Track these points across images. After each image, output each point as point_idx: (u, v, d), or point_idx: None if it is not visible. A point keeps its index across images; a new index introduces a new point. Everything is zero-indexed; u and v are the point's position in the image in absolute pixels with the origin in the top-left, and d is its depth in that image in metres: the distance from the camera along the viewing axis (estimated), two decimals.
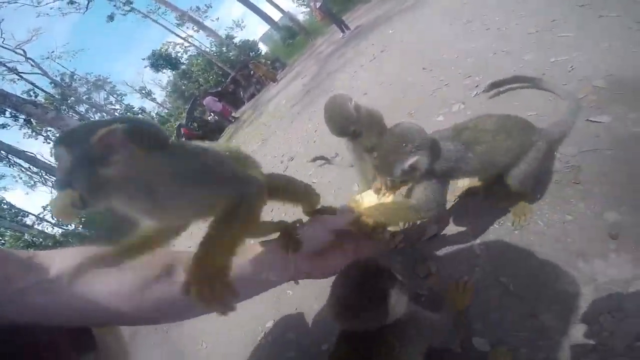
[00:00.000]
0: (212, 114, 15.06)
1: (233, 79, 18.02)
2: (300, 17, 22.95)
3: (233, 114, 14.97)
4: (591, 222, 0.88)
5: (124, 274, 0.72)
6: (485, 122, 0.92)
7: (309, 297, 1.42)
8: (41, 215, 20.83)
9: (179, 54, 25.27)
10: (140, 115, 29.33)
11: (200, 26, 21.65)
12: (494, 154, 0.89)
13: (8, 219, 19.07)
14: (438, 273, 1.07)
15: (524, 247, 0.94)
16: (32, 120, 15.67)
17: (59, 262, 0.68)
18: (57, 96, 22.68)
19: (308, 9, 18.77)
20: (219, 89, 18.58)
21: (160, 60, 24.21)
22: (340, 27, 9.42)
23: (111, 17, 23.22)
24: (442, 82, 2.21)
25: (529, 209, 1.00)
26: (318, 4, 9.33)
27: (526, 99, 1.48)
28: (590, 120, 1.15)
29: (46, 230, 19.91)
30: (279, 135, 4.78)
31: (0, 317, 0.62)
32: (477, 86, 1.87)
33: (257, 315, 1.61)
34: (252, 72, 15.91)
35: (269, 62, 17.25)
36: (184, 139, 16.23)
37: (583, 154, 1.05)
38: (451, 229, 1.17)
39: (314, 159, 1.84)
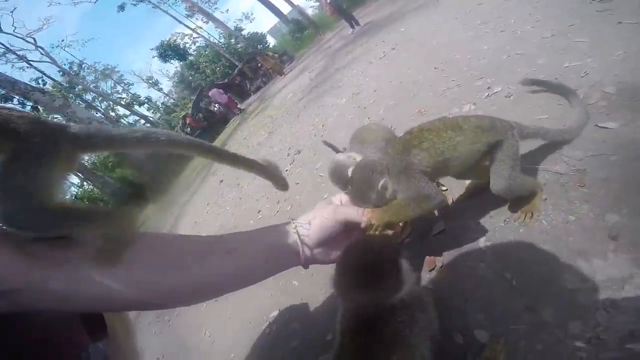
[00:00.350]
0: (217, 105, 15.13)
1: (240, 70, 18.13)
2: (310, 11, 22.92)
3: (239, 106, 15.05)
4: (593, 223, 0.92)
5: (141, 261, 0.74)
6: (433, 123, 1.02)
7: (314, 287, 1.47)
8: None
9: (187, 45, 25.40)
10: (146, 105, 29.52)
11: (210, 17, 21.71)
12: (443, 149, 0.95)
13: None
14: (444, 267, 1.12)
15: (528, 244, 0.98)
16: (39, 107, 15.81)
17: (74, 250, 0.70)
18: (65, 84, 22.85)
19: (317, 3, 18.72)
20: (226, 80, 18.67)
21: (169, 51, 24.29)
22: (350, 22, 9.43)
23: (122, 7, 23.44)
24: (454, 82, 2.23)
25: (537, 208, 1.04)
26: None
27: (537, 103, 1.51)
28: (599, 126, 1.18)
29: None
30: (285, 129, 4.83)
31: (21, 302, 0.64)
32: (488, 88, 1.89)
33: (261, 305, 1.66)
34: (259, 64, 15.94)
35: (276, 55, 17.23)
36: (189, 129, 16.38)
37: (589, 159, 1.09)
38: (458, 225, 1.21)
39: (325, 143, 1.91)
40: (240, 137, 7.60)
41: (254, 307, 1.69)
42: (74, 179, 24.06)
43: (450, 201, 1.33)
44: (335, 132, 3.05)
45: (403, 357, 0.69)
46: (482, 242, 1.08)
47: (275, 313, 1.56)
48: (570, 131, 1.18)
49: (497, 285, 0.95)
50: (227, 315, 1.86)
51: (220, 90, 14.57)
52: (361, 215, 0.91)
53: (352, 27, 9.30)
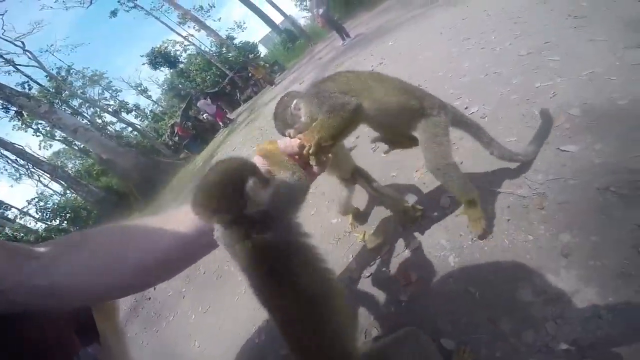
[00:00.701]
0: (206, 114, 15.13)
1: (231, 80, 18.18)
2: (302, 22, 23.23)
3: (228, 115, 15.06)
4: (548, 242, 1.04)
5: (102, 248, 0.78)
6: (359, 72, 1.19)
7: None
8: (25, 209, 20.82)
9: (178, 52, 25.52)
10: (133, 112, 29.34)
11: (202, 25, 21.81)
12: (355, 88, 1.08)
13: None
14: (418, 281, 1.22)
15: (491, 261, 1.10)
16: (23, 112, 15.61)
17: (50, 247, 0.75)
18: (51, 90, 22.68)
19: (310, 14, 18.98)
20: (216, 89, 18.67)
21: (159, 58, 24.35)
22: (340, 34, 9.56)
23: (114, 13, 23.49)
24: None
25: (481, 215, 1.17)
26: (320, 11, 9.46)
27: (509, 125, 1.63)
28: (560, 149, 1.30)
29: (29, 225, 19.87)
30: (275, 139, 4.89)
31: (12, 302, 0.67)
32: (466, 107, 2.01)
33: (250, 315, 1.72)
34: (250, 74, 15.99)
35: (267, 65, 17.36)
36: (177, 138, 16.31)
37: (550, 182, 1.21)
38: (431, 243, 1.32)
39: None
40: (229, 148, 7.64)
41: (243, 317, 1.75)
42: (57, 187, 23.81)
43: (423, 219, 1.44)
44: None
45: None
46: (451, 259, 1.19)
47: (264, 322, 1.62)
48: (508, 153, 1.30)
49: (463, 298, 1.06)
50: (216, 324, 1.92)
51: (208, 101, 14.57)
52: (291, 142, 0.91)
53: (343, 39, 9.43)
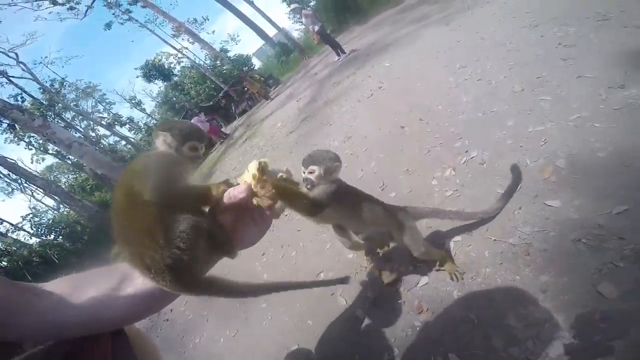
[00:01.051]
0: None
1: (226, 93, 18.40)
2: (295, 34, 23.63)
3: (224, 129, 15.12)
4: (531, 281, 1.37)
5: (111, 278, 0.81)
6: None
7: (327, 321, 1.84)
8: (19, 225, 20.74)
9: (172, 65, 25.94)
10: (127, 125, 29.40)
11: (196, 38, 22.18)
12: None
13: None
14: (429, 310, 1.54)
15: (486, 294, 1.43)
16: (16, 125, 15.61)
17: (55, 286, 0.79)
18: (44, 102, 22.75)
19: (303, 27, 19.34)
20: (211, 102, 18.81)
21: (153, 71, 24.76)
22: (336, 50, 9.74)
23: (109, 25, 23.85)
24: (437, 140, 2.61)
25: (454, 266, 1.59)
26: (316, 28, 9.72)
27: (503, 172, 1.90)
28: (546, 204, 1.62)
29: (22, 240, 19.77)
30: (277, 166, 5.01)
31: (26, 336, 0.76)
32: (466, 151, 2.29)
33: (277, 340, 1.97)
34: (245, 88, 16.15)
35: (262, 78, 17.58)
36: None
37: (535, 233, 1.53)
38: (439, 279, 1.64)
39: None
40: (228, 167, 7.80)
41: (273, 340, 2.00)
42: (50, 202, 23.69)
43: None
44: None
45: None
46: (455, 293, 1.53)
47: (295, 347, 1.87)
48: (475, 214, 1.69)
49: (464, 322, 1.39)
50: (248, 348, 2.14)
51: (202, 117, 14.69)
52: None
53: (338, 54, 9.56)
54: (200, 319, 2.86)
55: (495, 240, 1.61)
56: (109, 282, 0.80)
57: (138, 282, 0.79)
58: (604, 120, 1.83)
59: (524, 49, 2.99)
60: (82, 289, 0.78)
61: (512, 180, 1.73)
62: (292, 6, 10.00)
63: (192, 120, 14.72)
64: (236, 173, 6.69)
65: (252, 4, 21.60)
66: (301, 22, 20.57)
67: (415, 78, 4.11)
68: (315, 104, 6.64)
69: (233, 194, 0.79)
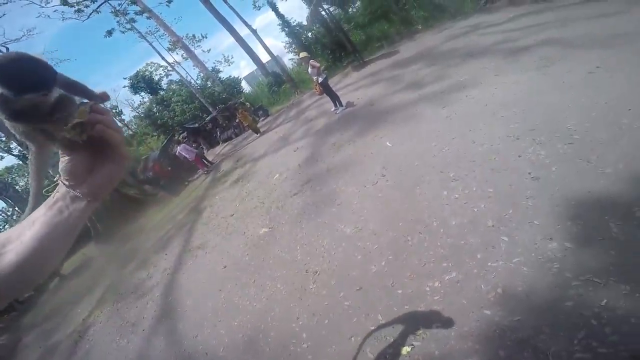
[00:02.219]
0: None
1: (213, 118, 18.65)
2: (286, 60, 24.28)
3: (210, 159, 15.25)
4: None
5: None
6: None
7: None
8: None
9: (160, 77, 26.12)
10: None
11: (191, 54, 22.51)
12: None
13: None
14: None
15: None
16: None
17: None
18: None
19: (297, 57, 19.93)
20: (197, 124, 18.91)
21: (142, 83, 24.77)
22: (334, 102, 10.26)
23: (110, 32, 24.09)
24: (431, 257, 3.01)
25: None
26: (320, 79, 10.19)
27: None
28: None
29: None
30: (288, 235, 5.01)
31: None
32: (458, 283, 2.63)
33: None
34: (238, 120, 16.32)
35: (252, 107, 17.90)
36: (151, 174, 16.16)
37: None
38: None
39: None
40: (223, 211, 7.76)
41: None
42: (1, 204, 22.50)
43: None
44: (345, 271, 3.57)
45: None
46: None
47: None
48: None
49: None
50: None
51: (189, 147, 14.78)
52: None
53: (336, 106, 10.11)
54: None
55: None
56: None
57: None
58: (530, 267, 2.40)
59: (503, 172, 3.43)
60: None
61: None
62: (302, 55, 10.46)
63: (179, 147, 14.86)
64: (234, 220, 6.76)
65: (250, 26, 22.22)
66: (295, 51, 21.22)
67: (413, 180, 4.31)
68: (317, 166, 6.80)
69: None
